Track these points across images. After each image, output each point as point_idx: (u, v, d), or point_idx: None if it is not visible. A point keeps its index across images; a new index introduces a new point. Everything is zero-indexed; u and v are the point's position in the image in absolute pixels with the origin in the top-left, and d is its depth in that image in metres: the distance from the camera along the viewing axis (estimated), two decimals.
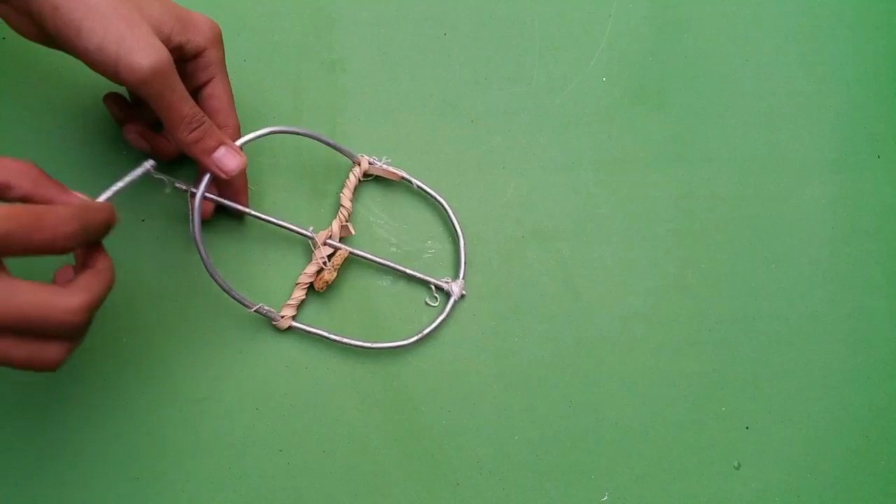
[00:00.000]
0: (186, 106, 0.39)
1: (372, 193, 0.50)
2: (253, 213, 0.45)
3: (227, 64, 0.43)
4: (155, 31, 0.38)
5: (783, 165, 0.53)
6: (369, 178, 0.50)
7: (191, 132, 0.40)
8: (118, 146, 0.47)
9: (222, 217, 0.48)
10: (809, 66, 0.54)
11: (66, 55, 0.39)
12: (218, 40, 0.42)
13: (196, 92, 0.43)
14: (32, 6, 0.36)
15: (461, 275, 0.49)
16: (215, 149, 0.41)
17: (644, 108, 0.53)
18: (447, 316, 0.48)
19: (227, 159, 0.41)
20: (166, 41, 0.39)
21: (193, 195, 0.42)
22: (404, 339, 0.47)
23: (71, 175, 0.47)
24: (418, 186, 0.49)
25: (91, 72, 0.37)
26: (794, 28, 0.55)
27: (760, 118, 0.53)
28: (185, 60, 0.41)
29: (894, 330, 0.52)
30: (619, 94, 0.53)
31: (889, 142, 0.54)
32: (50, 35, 0.37)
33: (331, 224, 0.47)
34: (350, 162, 0.49)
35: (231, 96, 0.44)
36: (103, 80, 0.38)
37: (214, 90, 0.43)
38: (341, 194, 0.48)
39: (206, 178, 0.42)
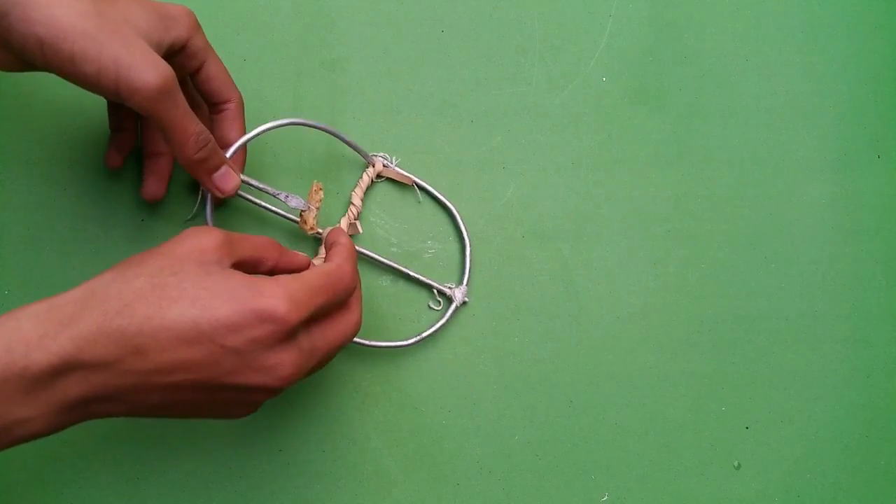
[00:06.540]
0: (192, 123, 0.38)
1: (372, 193, 0.50)
2: (255, 201, 0.46)
3: (226, 64, 0.43)
4: (147, 41, 0.37)
5: (783, 165, 0.53)
6: (381, 180, 0.50)
7: (198, 151, 0.39)
8: None
9: (225, 213, 0.48)
10: (809, 66, 0.54)
11: None
12: (197, 25, 0.41)
13: (192, 77, 0.43)
14: (13, 40, 0.34)
15: (465, 281, 0.49)
16: (218, 168, 0.41)
17: (644, 108, 0.53)
18: (447, 321, 0.48)
19: (226, 180, 0.42)
20: (158, 48, 0.38)
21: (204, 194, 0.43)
22: (403, 340, 0.47)
23: (71, 175, 0.47)
24: (430, 192, 0.49)
25: None
26: (794, 28, 0.55)
27: (760, 118, 0.53)
28: (173, 55, 0.40)
29: (894, 330, 0.52)
30: (618, 94, 0.53)
31: (889, 142, 0.54)
32: (35, 66, 0.36)
33: (339, 221, 0.47)
34: (357, 161, 0.49)
35: (226, 71, 0.43)
36: None
37: (209, 72, 0.42)
38: (353, 192, 0.48)
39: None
